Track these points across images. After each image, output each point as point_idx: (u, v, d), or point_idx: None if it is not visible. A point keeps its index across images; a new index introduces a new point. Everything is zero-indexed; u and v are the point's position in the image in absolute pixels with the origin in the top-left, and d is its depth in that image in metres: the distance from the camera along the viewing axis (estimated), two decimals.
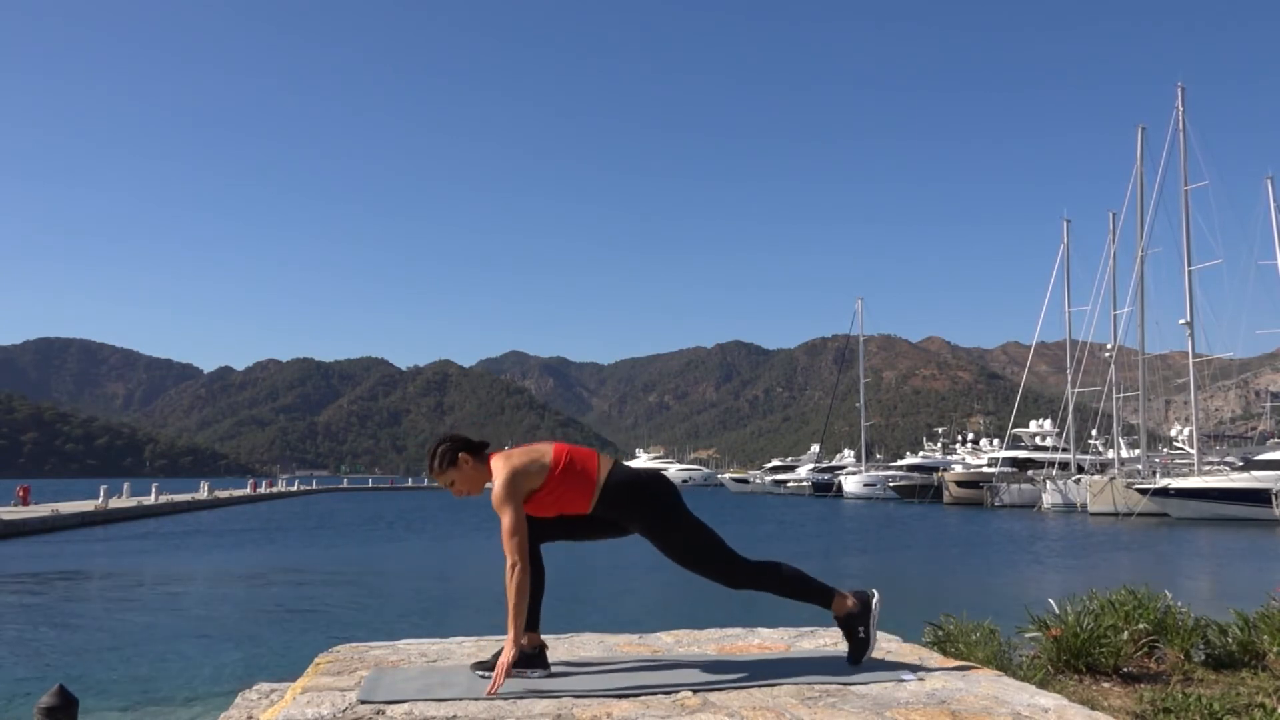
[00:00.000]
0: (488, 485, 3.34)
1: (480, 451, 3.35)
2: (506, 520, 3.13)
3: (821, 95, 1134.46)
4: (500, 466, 3.24)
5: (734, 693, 3.04)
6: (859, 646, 3.42)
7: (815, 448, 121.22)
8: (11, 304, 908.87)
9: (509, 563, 3.11)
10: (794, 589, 3.44)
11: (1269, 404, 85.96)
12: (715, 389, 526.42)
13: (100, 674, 9.88)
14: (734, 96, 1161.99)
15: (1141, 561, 24.45)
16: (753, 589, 3.39)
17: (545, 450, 3.27)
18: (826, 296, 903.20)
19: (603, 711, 2.79)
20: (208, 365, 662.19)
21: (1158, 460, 58.91)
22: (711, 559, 3.32)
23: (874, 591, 3.50)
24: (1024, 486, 59.90)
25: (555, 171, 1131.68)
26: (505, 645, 3.08)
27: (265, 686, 3.61)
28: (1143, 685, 4.81)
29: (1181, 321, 48.01)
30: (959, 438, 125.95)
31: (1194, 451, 51.99)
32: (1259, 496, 42.85)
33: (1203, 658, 5.51)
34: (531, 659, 3.24)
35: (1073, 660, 5.03)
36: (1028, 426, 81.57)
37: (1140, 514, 44.43)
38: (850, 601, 3.43)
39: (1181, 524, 40.74)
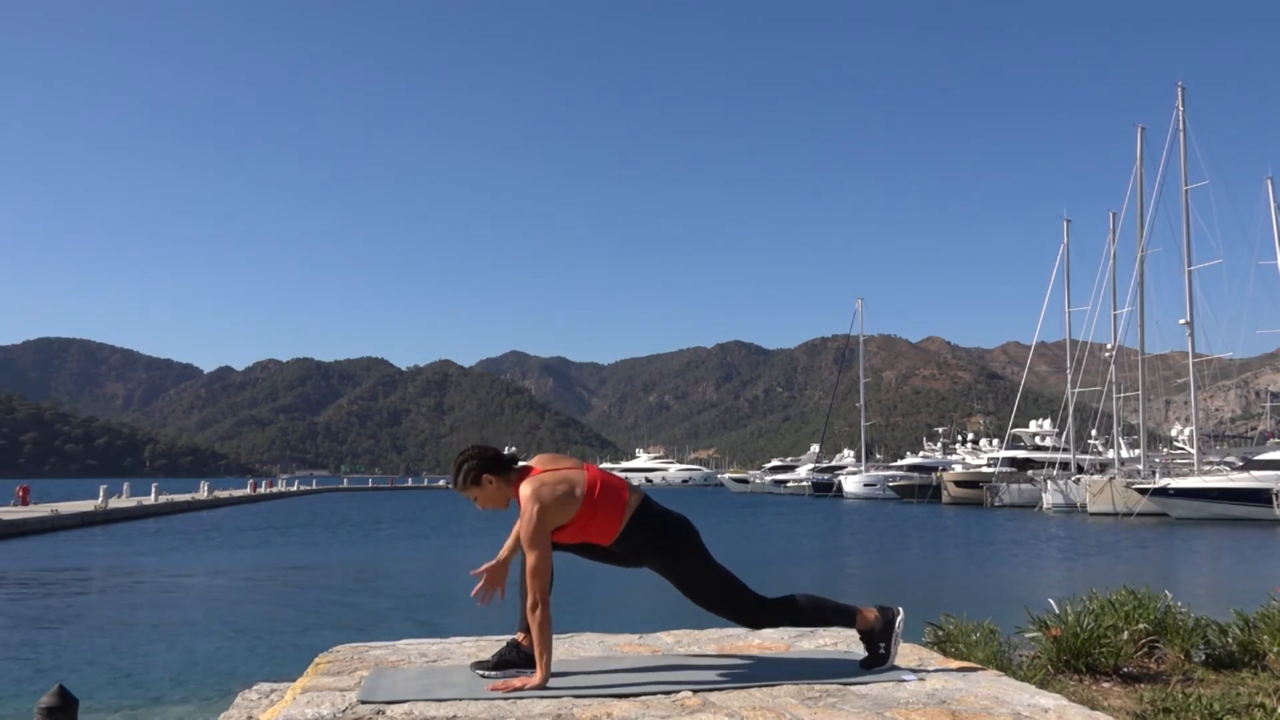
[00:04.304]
0: (513, 500, 3.28)
1: (507, 470, 3.28)
2: (532, 560, 3.10)
3: (821, 95, 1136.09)
4: (529, 500, 3.15)
5: (734, 693, 3.04)
6: (876, 660, 3.42)
7: (815, 448, 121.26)
8: (11, 304, 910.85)
9: (530, 601, 3.09)
10: (815, 618, 3.46)
11: (1269, 404, 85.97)
12: (715, 389, 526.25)
13: (100, 674, 9.87)
14: (733, 96, 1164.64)
15: (1141, 561, 24.42)
16: (773, 627, 3.38)
17: (577, 479, 3.20)
18: (826, 296, 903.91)
19: (603, 711, 2.79)
20: (208, 365, 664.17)
21: (1158, 460, 58.81)
22: (732, 602, 3.33)
23: (899, 610, 3.49)
24: (1024, 486, 59.90)
25: (555, 171, 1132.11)
26: (535, 675, 3.07)
27: (265, 686, 3.62)
28: (1143, 685, 4.80)
29: (1181, 321, 48.01)
30: (959, 438, 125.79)
31: (1194, 451, 51.95)
32: (1259, 496, 42.85)
33: (1203, 658, 5.51)
34: (530, 659, 3.24)
35: (1073, 660, 5.03)
36: (1028, 426, 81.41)
37: (1140, 514, 44.42)
38: (874, 616, 3.44)
39: (1181, 524, 40.75)
